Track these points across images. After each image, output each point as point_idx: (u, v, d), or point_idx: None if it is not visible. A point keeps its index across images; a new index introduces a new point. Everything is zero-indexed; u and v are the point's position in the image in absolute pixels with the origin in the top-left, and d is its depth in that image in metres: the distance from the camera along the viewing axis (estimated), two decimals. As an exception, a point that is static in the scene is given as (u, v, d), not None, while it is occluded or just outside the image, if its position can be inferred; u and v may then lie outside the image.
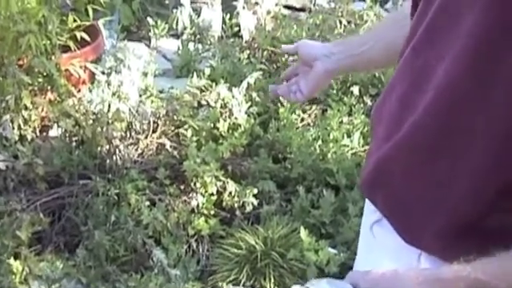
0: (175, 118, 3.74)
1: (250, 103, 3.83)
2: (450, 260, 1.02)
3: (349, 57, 1.64)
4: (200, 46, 4.82)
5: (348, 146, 3.68)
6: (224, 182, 3.40)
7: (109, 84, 3.79)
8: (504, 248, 0.93)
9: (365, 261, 1.37)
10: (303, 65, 1.77)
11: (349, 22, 4.93)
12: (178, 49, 4.77)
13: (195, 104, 3.80)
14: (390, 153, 1.13)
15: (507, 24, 0.95)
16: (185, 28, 5.19)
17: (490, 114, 0.98)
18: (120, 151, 3.57)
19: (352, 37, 1.65)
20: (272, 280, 2.99)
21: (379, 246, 1.27)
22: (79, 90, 3.88)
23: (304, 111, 4.03)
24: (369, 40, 1.59)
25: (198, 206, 3.37)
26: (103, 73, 3.92)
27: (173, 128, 3.73)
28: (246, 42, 4.95)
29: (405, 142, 1.10)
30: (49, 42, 3.67)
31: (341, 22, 4.88)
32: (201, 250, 3.26)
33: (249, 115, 3.80)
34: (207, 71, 4.02)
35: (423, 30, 1.10)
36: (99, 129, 3.54)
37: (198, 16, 5.44)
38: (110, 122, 3.58)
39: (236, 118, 3.75)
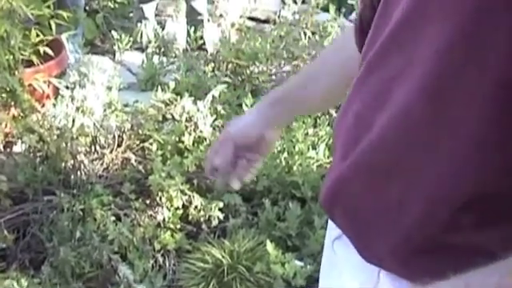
0: (140, 132, 3.72)
1: (215, 116, 3.83)
2: (409, 277, 1.02)
3: (290, 112, 1.57)
4: (165, 59, 4.82)
5: (313, 158, 3.69)
6: (190, 196, 3.40)
7: (73, 99, 3.77)
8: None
9: (327, 276, 1.36)
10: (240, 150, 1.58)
11: (313, 34, 4.95)
12: (143, 62, 4.77)
13: (160, 118, 3.79)
14: (347, 172, 1.12)
15: (470, 41, 0.95)
16: (149, 41, 5.19)
17: (447, 133, 0.98)
18: (85, 166, 3.55)
19: (290, 83, 1.53)
20: (239, 294, 2.99)
21: (340, 262, 1.27)
22: (43, 105, 3.85)
23: (269, 124, 4.03)
24: (308, 83, 1.50)
25: (163, 220, 3.36)
26: (67, 87, 3.90)
27: (138, 142, 3.71)
28: (210, 54, 4.95)
29: (360, 161, 1.10)
30: (12, 56, 3.65)
31: (305, 34, 4.91)
32: (167, 264, 3.25)
33: (214, 128, 3.80)
34: (172, 84, 4.01)
35: (379, 45, 1.10)
36: (64, 144, 3.51)
37: (163, 29, 5.44)
38: (74, 136, 3.56)
39: (201, 132, 3.74)
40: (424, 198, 1.01)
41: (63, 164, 3.51)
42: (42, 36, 3.82)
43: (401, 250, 1.06)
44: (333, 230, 1.26)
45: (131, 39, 5.11)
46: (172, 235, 3.31)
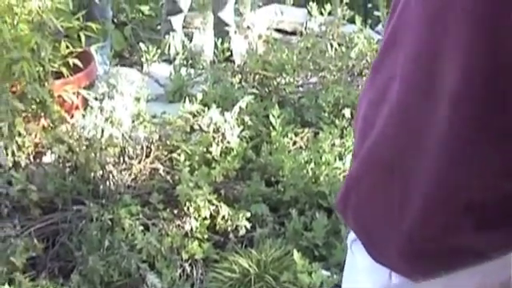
0: (168, 142, 3.75)
1: (242, 127, 3.86)
2: (418, 278, 1.01)
3: None
4: (192, 71, 4.85)
5: (340, 168, 3.70)
6: (217, 206, 3.42)
7: (101, 110, 3.81)
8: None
9: (348, 278, 1.37)
10: None
11: (340, 45, 4.96)
12: (170, 74, 4.80)
13: (188, 129, 3.82)
14: (355, 171, 1.13)
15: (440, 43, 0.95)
16: (177, 53, 5.22)
17: (438, 129, 0.98)
18: (113, 176, 3.59)
19: None
20: (266, 303, 3.01)
21: (357, 264, 1.28)
22: (72, 116, 3.90)
23: (296, 134, 4.05)
24: None
25: (191, 230, 3.38)
26: (96, 99, 3.94)
27: (166, 153, 3.74)
28: (237, 66, 4.97)
29: (365, 159, 1.10)
30: (42, 68, 3.70)
31: (332, 45, 4.92)
32: (195, 274, 3.27)
33: (241, 139, 3.82)
34: (199, 96, 4.04)
35: (381, 48, 1.12)
36: (92, 154, 3.55)
37: (190, 41, 5.48)
38: (103, 147, 3.60)
39: (228, 142, 3.77)
40: (423, 198, 1.01)
41: (92, 174, 3.55)
42: (71, 48, 3.86)
43: (407, 252, 1.06)
44: (351, 232, 1.28)
45: (159, 51, 5.15)
46: (199, 245, 3.33)
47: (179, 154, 3.66)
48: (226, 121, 3.82)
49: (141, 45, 5.18)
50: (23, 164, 3.56)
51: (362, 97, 1.16)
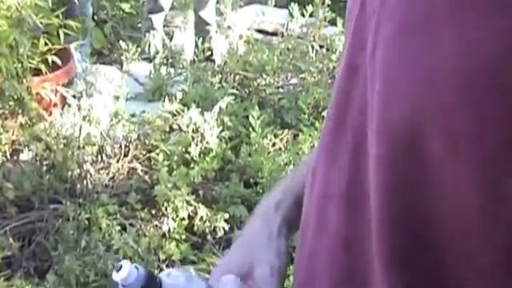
0: (147, 142, 3.73)
1: (221, 128, 3.84)
2: None
3: None
4: (172, 70, 4.82)
5: (319, 170, 3.68)
6: (195, 207, 3.40)
7: (80, 108, 3.78)
8: None
9: None
10: None
11: (321, 47, 4.95)
12: (150, 73, 4.77)
13: (167, 128, 3.80)
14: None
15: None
16: (157, 52, 5.19)
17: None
18: (91, 175, 3.56)
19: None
20: (243, 305, 2.99)
21: None
22: (50, 114, 3.86)
23: (276, 136, 4.04)
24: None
25: (169, 230, 3.36)
26: (74, 97, 3.91)
27: (144, 152, 3.72)
28: (218, 66, 4.95)
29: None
30: (20, 65, 3.66)
31: (313, 47, 4.91)
32: (172, 275, 3.24)
33: (220, 140, 3.80)
34: (179, 95, 4.02)
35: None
36: (70, 153, 3.52)
37: (171, 40, 5.45)
38: (80, 146, 3.57)
39: (208, 143, 3.75)
40: None
41: (69, 173, 3.52)
42: (50, 45, 3.83)
43: None
44: None
45: (139, 49, 5.11)
46: (177, 246, 3.31)
47: (158, 154, 3.64)
48: (205, 121, 3.79)
49: (121, 43, 5.15)
50: (0, 161, 3.52)
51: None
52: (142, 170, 3.64)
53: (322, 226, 0.86)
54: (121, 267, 0.87)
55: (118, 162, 3.66)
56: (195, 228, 3.40)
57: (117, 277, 0.87)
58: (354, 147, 0.80)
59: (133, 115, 3.96)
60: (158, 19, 5.34)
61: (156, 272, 0.95)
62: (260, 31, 5.93)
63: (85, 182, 3.51)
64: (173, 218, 3.37)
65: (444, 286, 0.72)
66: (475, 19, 0.60)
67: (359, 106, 0.78)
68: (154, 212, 3.46)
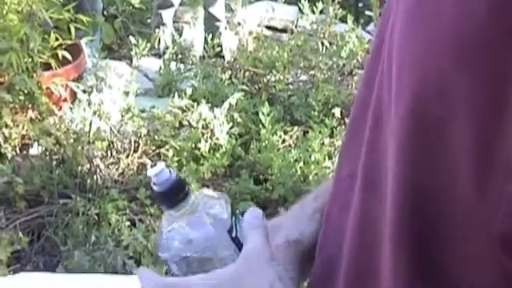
0: (156, 137, 3.73)
1: (231, 124, 3.83)
2: None
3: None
4: (182, 66, 4.82)
5: (329, 167, 3.68)
6: (205, 203, 3.39)
7: (90, 103, 3.78)
8: None
9: None
10: None
11: (330, 44, 4.94)
12: (160, 68, 4.77)
13: (176, 124, 3.80)
14: None
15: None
16: (167, 47, 5.19)
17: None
18: (101, 170, 3.56)
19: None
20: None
21: None
22: (60, 108, 3.86)
23: (285, 132, 4.03)
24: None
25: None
26: (84, 91, 3.91)
27: (154, 148, 3.72)
28: (227, 62, 4.95)
29: None
30: (30, 59, 3.67)
31: (323, 44, 4.90)
32: (181, 270, 3.24)
33: (230, 136, 3.80)
34: (189, 91, 4.02)
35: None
36: (80, 148, 3.53)
37: (180, 35, 5.44)
38: (90, 141, 3.57)
39: (217, 139, 3.74)
40: None
41: (79, 168, 3.52)
42: (60, 40, 3.83)
43: None
44: None
45: (149, 45, 5.11)
46: (186, 242, 3.31)
47: (167, 150, 3.64)
48: (215, 117, 3.79)
49: (131, 38, 5.15)
50: (9, 156, 3.52)
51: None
52: (151, 166, 3.64)
53: (347, 205, 0.87)
54: (155, 165, 0.90)
55: (127, 157, 3.66)
56: (204, 224, 3.40)
57: (150, 172, 0.89)
58: (373, 123, 0.82)
59: (142, 111, 3.95)
60: (167, 15, 5.34)
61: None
62: (270, 28, 5.93)
63: (94, 177, 3.51)
64: (182, 214, 3.36)
65: (445, 273, 0.74)
66: None
67: (379, 82, 0.81)
68: (163, 208, 3.45)
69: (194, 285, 0.90)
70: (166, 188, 0.90)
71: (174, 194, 0.91)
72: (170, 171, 0.90)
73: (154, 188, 0.89)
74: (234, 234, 0.94)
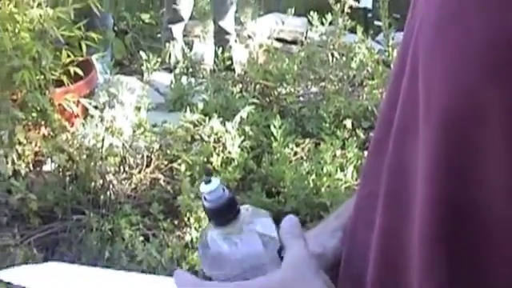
0: (168, 152, 3.75)
1: (243, 137, 3.85)
2: None
3: None
4: (193, 80, 4.83)
5: (341, 179, 3.68)
6: (218, 217, 3.40)
7: (102, 119, 3.80)
8: None
9: None
10: None
11: (341, 55, 4.95)
12: (171, 83, 4.78)
13: (188, 138, 3.81)
14: None
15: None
16: (177, 62, 5.22)
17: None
18: (113, 186, 3.57)
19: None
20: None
21: None
22: (72, 125, 3.88)
23: (297, 145, 4.04)
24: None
25: (191, 240, 3.37)
26: (96, 107, 3.93)
27: (166, 162, 3.73)
28: (238, 75, 4.97)
29: None
30: (42, 76, 3.69)
31: (333, 55, 4.91)
32: (195, 285, 3.25)
33: (242, 149, 3.81)
34: (200, 105, 4.03)
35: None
36: (93, 164, 3.54)
37: (191, 49, 5.46)
38: (103, 156, 3.59)
39: (229, 153, 3.76)
40: None
41: (92, 183, 3.54)
42: (72, 56, 3.85)
43: None
44: None
45: (159, 59, 5.13)
46: (200, 256, 3.31)
47: (180, 164, 3.65)
48: (226, 131, 3.81)
49: (141, 53, 5.17)
50: (23, 173, 3.54)
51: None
52: (164, 181, 3.66)
53: (371, 222, 0.88)
54: (210, 181, 0.89)
55: (140, 172, 3.67)
56: (218, 238, 3.41)
57: (203, 188, 0.89)
58: (396, 142, 0.83)
59: (154, 125, 3.97)
60: (177, 29, 5.36)
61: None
62: (279, 40, 5.94)
63: (108, 193, 3.53)
64: (195, 228, 3.38)
65: (481, 277, 0.74)
66: (495, 10, 0.68)
67: (402, 101, 0.82)
68: (176, 222, 3.47)
69: (237, 285, 0.89)
70: (218, 206, 0.90)
71: (226, 214, 0.91)
72: (224, 189, 0.90)
73: (205, 204, 0.90)
74: (283, 254, 0.92)
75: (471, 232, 0.72)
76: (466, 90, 0.69)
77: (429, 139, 0.74)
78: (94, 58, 4.40)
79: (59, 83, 3.84)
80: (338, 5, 4.97)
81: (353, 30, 5.16)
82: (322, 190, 3.64)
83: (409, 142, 0.79)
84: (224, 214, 0.90)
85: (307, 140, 4.13)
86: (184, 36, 5.55)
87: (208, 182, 0.90)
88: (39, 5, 3.71)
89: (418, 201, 0.76)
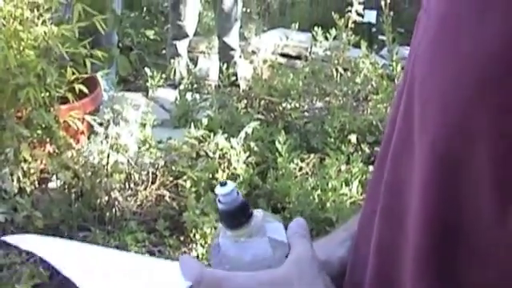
0: (174, 168, 3.75)
1: (248, 153, 3.85)
2: None
3: None
4: (197, 96, 4.85)
5: (347, 194, 3.68)
6: (223, 233, 3.40)
7: (107, 136, 3.80)
8: None
9: None
10: None
11: (345, 70, 4.96)
12: (176, 99, 4.80)
13: (194, 154, 3.82)
14: None
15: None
16: (182, 78, 5.23)
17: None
18: (119, 203, 3.57)
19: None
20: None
21: None
22: (78, 142, 3.89)
23: (302, 160, 4.04)
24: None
25: (197, 256, 3.36)
26: (101, 124, 3.94)
27: (171, 179, 3.73)
28: (243, 91, 4.98)
29: None
30: (47, 94, 3.69)
31: (337, 70, 4.92)
32: (201, 301, 3.24)
33: (247, 165, 3.81)
34: (205, 121, 4.04)
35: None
36: (98, 181, 3.54)
37: (195, 66, 5.48)
38: (108, 173, 3.59)
39: (235, 168, 3.76)
40: None
41: (98, 200, 3.54)
42: (77, 74, 3.86)
43: None
44: None
45: (164, 76, 5.15)
46: (206, 272, 3.31)
47: (185, 181, 3.65)
48: (232, 147, 3.81)
49: (146, 70, 5.19)
50: (28, 190, 3.55)
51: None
52: (169, 197, 3.66)
53: (371, 239, 0.89)
54: (225, 184, 0.91)
55: (145, 189, 3.68)
56: (224, 254, 3.40)
57: (218, 190, 0.90)
58: (393, 159, 0.83)
59: (159, 142, 3.97)
60: (182, 45, 5.38)
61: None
62: (284, 55, 5.95)
63: (113, 210, 3.53)
64: (201, 245, 3.37)
65: None
66: (497, 19, 0.66)
67: (400, 119, 0.82)
68: (182, 238, 3.47)
69: (242, 276, 0.90)
70: (232, 209, 0.91)
71: (238, 217, 0.92)
72: (238, 193, 0.91)
73: (220, 206, 0.91)
74: None
75: (460, 251, 0.73)
76: (455, 111, 0.69)
77: (422, 157, 0.74)
78: (98, 74, 4.40)
79: (64, 100, 3.85)
80: (342, 20, 4.98)
81: (357, 45, 5.17)
82: (328, 205, 3.63)
83: (405, 158, 0.79)
84: (237, 217, 0.92)
85: (312, 155, 4.13)
86: (189, 52, 5.57)
87: (224, 184, 0.91)
88: (44, 22, 3.72)
89: (411, 217, 0.77)
